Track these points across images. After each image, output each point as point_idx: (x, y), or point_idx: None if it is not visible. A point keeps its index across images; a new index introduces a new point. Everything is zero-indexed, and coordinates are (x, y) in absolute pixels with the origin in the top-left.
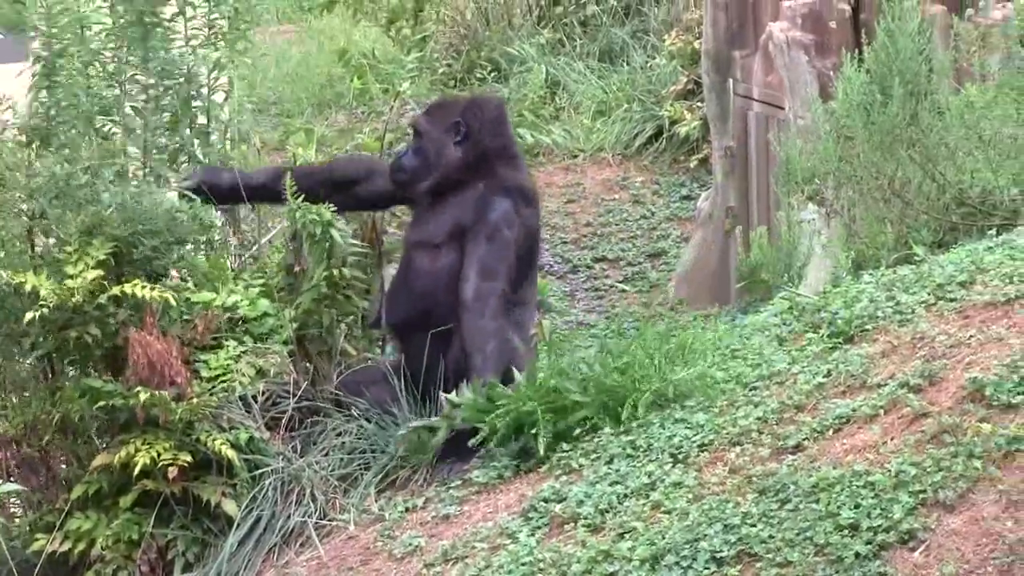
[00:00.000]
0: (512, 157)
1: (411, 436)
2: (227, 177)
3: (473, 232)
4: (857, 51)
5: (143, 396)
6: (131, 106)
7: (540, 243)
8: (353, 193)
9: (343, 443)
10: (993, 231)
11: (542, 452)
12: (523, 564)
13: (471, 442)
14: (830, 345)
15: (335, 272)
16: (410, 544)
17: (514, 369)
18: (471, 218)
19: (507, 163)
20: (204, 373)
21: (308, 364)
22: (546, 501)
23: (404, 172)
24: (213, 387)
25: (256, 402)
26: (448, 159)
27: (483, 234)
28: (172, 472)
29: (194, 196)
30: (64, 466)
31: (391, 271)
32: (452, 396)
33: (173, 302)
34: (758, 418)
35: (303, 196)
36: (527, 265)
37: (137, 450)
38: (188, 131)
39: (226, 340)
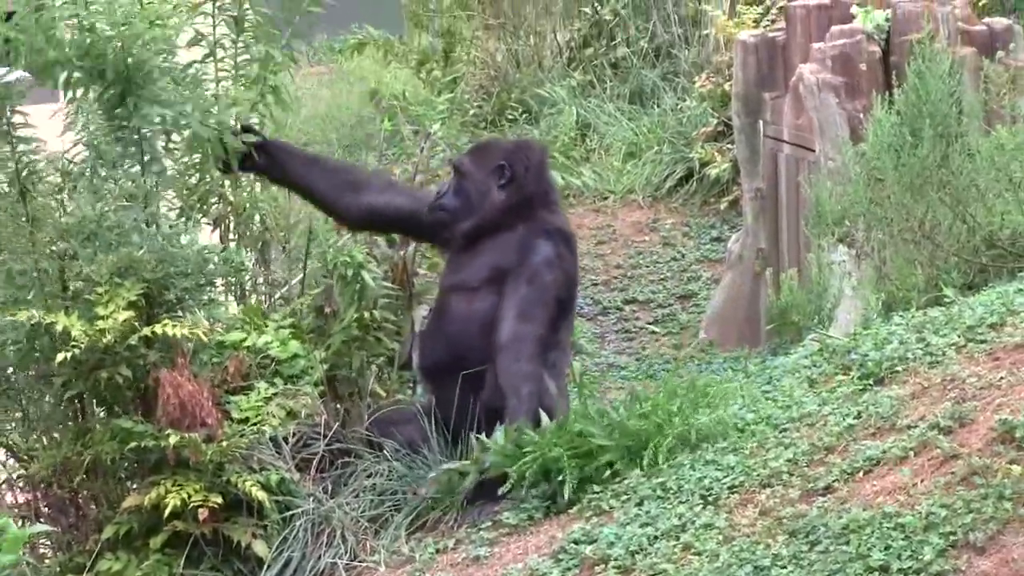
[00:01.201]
0: (553, 202)
1: (442, 478)
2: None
3: (514, 275)
4: (887, 93)
5: (174, 438)
6: (163, 147)
7: (578, 286)
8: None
9: (374, 484)
10: (1023, 273)
11: (566, 498)
12: None
13: (500, 490)
14: (860, 387)
15: (366, 314)
16: None
17: (543, 414)
18: (513, 261)
19: (547, 207)
20: (235, 415)
21: (338, 405)
22: (576, 543)
23: (445, 211)
24: (244, 429)
25: (287, 443)
26: (491, 201)
27: (524, 277)
28: (203, 513)
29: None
30: (94, 507)
31: (422, 312)
32: (483, 439)
33: (205, 339)
34: (788, 460)
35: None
36: (565, 309)
37: (168, 491)
38: (218, 173)
39: (257, 382)
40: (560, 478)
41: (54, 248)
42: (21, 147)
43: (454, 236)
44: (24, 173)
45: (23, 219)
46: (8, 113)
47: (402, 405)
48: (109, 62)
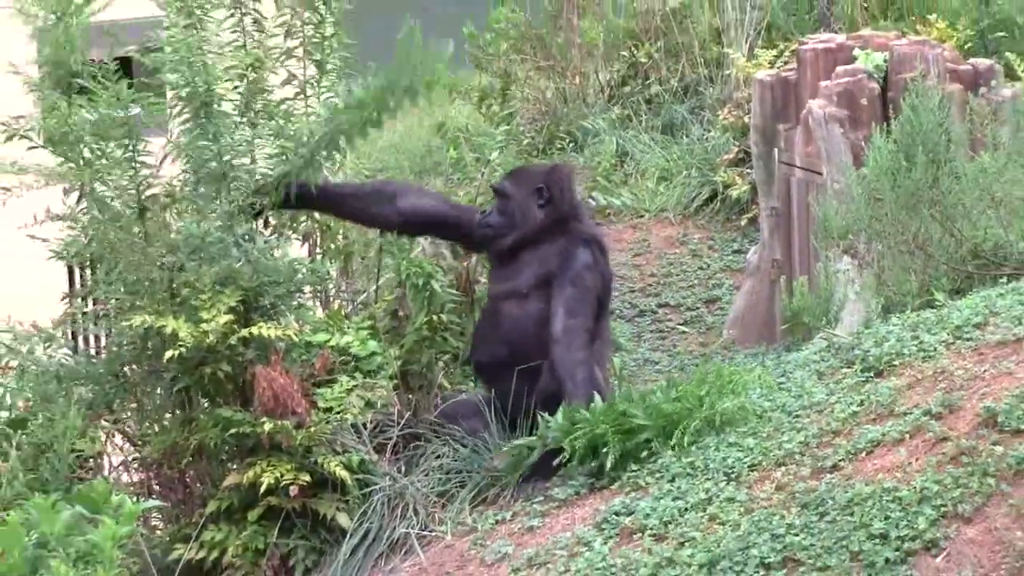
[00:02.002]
0: (582, 215)
1: (512, 451)
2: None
3: (559, 279)
4: (885, 124)
5: (268, 425)
6: (261, 172)
7: (612, 286)
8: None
9: (441, 465)
10: (1004, 280)
11: (609, 467)
12: (597, 569)
13: (555, 461)
14: (862, 379)
15: (434, 317)
16: (499, 552)
17: (596, 395)
18: (556, 267)
19: (578, 219)
20: (321, 404)
21: (410, 396)
22: (617, 514)
23: (490, 228)
24: (328, 416)
25: (365, 429)
26: (533, 218)
27: (568, 280)
28: (293, 490)
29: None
30: (199, 485)
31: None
32: (547, 417)
33: (295, 339)
34: (800, 442)
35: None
36: (603, 305)
37: (263, 471)
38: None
39: (340, 376)
40: (605, 450)
41: (164, 261)
42: (143, 172)
43: (500, 249)
44: (144, 195)
45: (139, 235)
46: (134, 142)
47: (465, 396)
48: (216, 97)
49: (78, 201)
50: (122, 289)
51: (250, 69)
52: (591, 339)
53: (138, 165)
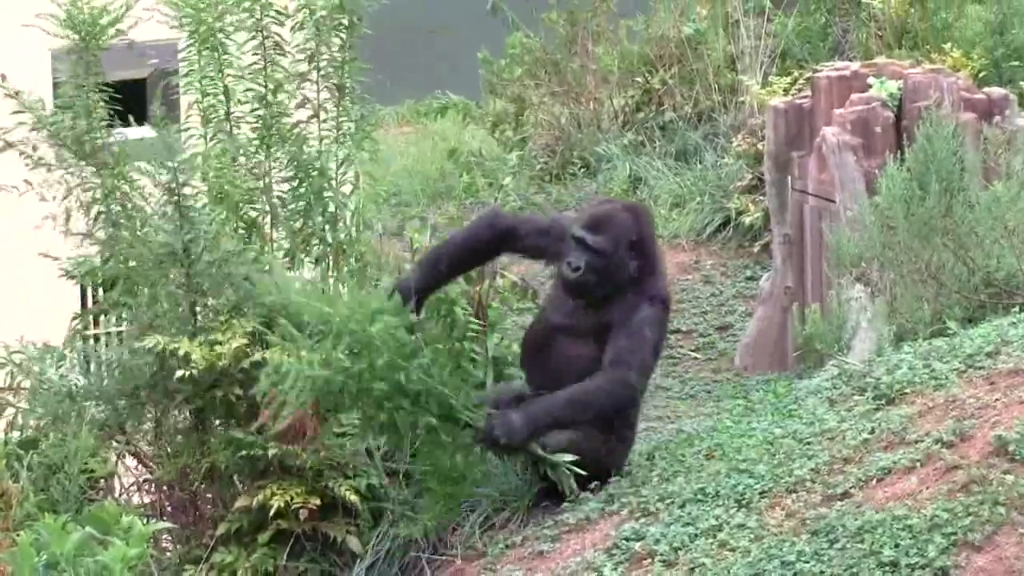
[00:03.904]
0: (660, 265)
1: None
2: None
3: (617, 329)
4: (899, 152)
5: (279, 449)
6: (276, 196)
7: (664, 343)
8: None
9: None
10: (1016, 308)
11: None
12: None
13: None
14: (874, 406)
15: (455, 344)
16: None
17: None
18: (618, 319)
19: (653, 272)
20: (333, 428)
21: None
22: (627, 539)
23: (586, 288)
24: (341, 440)
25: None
26: (625, 275)
27: (625, 331)
28: (304, 513)
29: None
30: (210, 507)
31: (494, 340)
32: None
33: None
34: (811, 469)
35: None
36: (648, 367)
37: (273, 494)
38: (320, 218)
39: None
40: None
41: (180, 284)
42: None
43: (580, 294)
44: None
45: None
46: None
47: (510, 385)
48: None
49: (95, 220)
50: (140, 310)
51: (270, 92)
52: (646, 378)
53: (181, 197)
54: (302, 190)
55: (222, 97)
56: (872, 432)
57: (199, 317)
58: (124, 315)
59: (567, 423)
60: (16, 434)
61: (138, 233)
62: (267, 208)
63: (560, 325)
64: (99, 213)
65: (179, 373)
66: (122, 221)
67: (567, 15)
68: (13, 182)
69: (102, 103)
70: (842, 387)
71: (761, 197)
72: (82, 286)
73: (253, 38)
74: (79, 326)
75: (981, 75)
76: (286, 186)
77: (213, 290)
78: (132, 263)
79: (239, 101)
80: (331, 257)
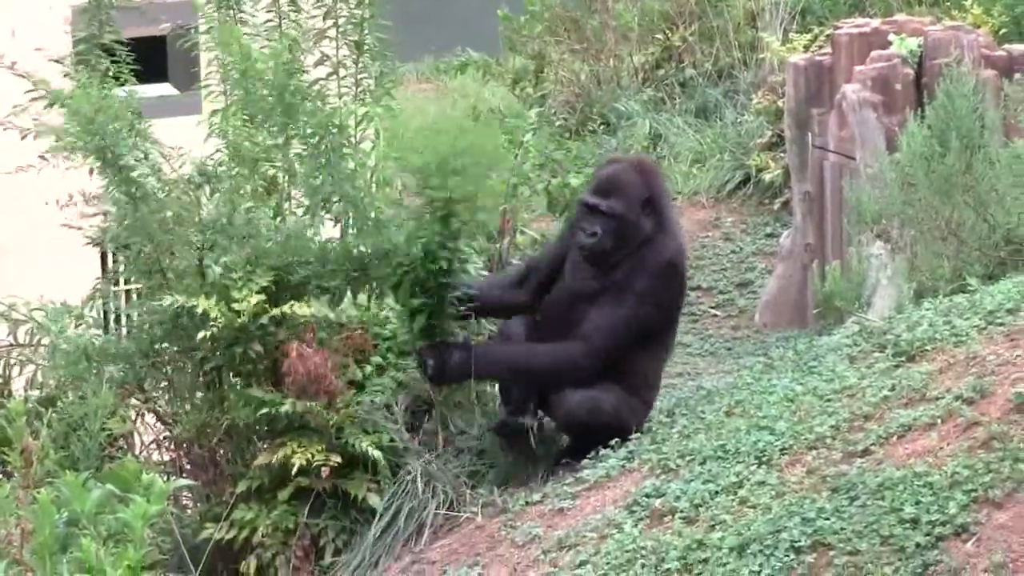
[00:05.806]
0: (673, 222)
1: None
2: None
3: (608, 292)
4: (919, 109)
5: (299, 405)
6: (295, 153)
7: (677, 313)
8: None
9: (471, 447)
10: None
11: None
12: (627, 551)
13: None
14: (894, 363)
15: None
16: (530, 533)
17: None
18: (620, 279)
19: (665, 231)
20: (353, 383)
21: None
22: (647, 496)
23: (604, 253)
24: (361, 396)
25: (398, 408)
26: (641, 234)
27: (611, 301)
28: (324, 471)
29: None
30: (230, 464)
31: None
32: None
33: (332, 316)
34: (831, 426)
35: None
36: (649, 337)
37: (294, 452)
38: (339, 175)
39: (372, 356)
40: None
41: (193, 240)
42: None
43: (596, 258)
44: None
45: (168, 216)
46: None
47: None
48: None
49: (107, 186)
50: (150, 270)
51: (286, 50)
52: (600, 360)
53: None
54: (321, 147)
55: (240, 54)
56: (892, 389)
57: (209, 275)
58: (136, 276)
59: (506, 379)
60: (36, 392)
61: (157, 194)
62: (286, 166)
63: (578, 290)
64: (119, 170)
65: (201, 335)
66: (140, 180)
67: None
68: (30, 159)
69: (115, 61)
70: (862, 344)
71: (781, 154)
72: (102, 253)
73: None
74: (99, 286)
75: (1001, 32)
76: (306, 143)
77: (228, 246)
78: (149, 221)
79: (257, 59)
80: (351, 214)
